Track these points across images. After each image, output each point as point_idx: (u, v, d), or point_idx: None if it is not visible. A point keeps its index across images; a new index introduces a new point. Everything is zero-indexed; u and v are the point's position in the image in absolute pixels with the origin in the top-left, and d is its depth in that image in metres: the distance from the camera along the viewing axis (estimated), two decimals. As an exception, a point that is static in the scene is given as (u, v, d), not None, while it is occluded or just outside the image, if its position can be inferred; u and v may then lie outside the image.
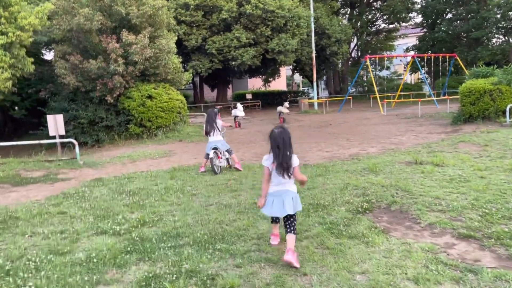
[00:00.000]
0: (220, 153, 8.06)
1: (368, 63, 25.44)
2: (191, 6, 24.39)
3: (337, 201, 5.43)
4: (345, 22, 37.69)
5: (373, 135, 12.97)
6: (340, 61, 37.11)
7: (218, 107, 9.36)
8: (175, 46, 16.92)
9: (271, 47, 25.52)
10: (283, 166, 3.79)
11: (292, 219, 3.87)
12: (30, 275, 3.65)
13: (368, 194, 5.65)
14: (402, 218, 4.76)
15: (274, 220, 4.16)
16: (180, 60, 18.04)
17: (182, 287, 3.28)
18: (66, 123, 14.46)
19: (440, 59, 28.46)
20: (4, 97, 15.63)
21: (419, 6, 37.71)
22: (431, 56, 30.06)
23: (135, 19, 14.95)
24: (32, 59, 12.97)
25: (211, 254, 3.90)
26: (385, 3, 38.62)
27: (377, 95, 23.90)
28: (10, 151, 12.58)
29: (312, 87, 30.98)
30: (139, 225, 4.86)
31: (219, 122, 8.10)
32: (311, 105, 28.18)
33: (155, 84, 15.96)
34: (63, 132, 11.58)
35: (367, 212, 4.98)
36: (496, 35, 31.25)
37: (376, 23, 42.74)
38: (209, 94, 39.34)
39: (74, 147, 10.58)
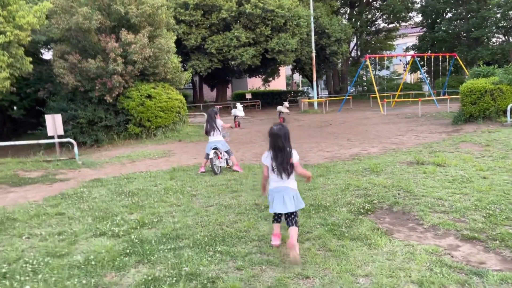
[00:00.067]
0: (221, 153, 7.99)
1: (368, 62, 25.37)
2: (191, 6, 24.31)
3: (339, 202, 5.37)
4: (344, 21, 37.62)
5: (373, 135, 12.91)
6: (340, 60, 37.05)
7: (218, 106, 9.27)
8: (175, 45, 16.84)
9: (270, 46, 25.45)
10: (283, 167, 3.85)
11: (293, 215, 3.93)
12: (27, 278, 3.58)
13: (370, 194, 5.59)
14: (404, 219, 4.70)
15: (276, 219, 4.12)
16: (180, 59, 17.96)
17: (182, 290, 3.22)
18: (65, 123, 14.38)
19: (440, 59, 28.42)
20: (3, 97, 15.58)
21: (418, 5, 37.68)
22: (431, 55, 30.02)
23: (134, 18, 14.87)
24: (30, 59, 12.87)
25: (212, 257, 3.84)
26: (384, 3, 38.56)
27: (377, 95, 23.85)
28: (8, 151, 12.51)
29: (312, 87, 30.91)
30: (138, 227, 4.80)
31: (219, 122, 8.01)
32: (311, 104, 28.13)
33: (155, 84, 15.88)
34: (61, 132, 11.51)
35: (369, 213, 4.92)
36: (496, 35, 31.22)
37: (376, 22, 42.68)
38: (209, 93, 39.26)
39: (72, 147, 10.51)
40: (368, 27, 41.70)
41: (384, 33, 42.63)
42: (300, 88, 54.94)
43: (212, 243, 4.15)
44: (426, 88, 33.89)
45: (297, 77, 55.88)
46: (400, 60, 44.30)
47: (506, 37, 30.59)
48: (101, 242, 4.34)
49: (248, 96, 33.50)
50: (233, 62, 25.73)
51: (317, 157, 9.39)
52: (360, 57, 42.07)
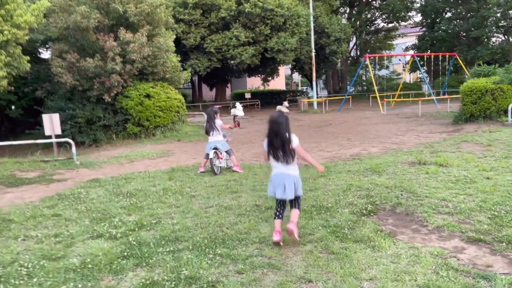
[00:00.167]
0: (221, 153, 7.89)
1: (368, 62, 25.29)
2: (190, 5, 24.20)
3: (341, 202, 5.28)
4: (344, 21, 37.52)
5: (374, 134, 12.83)
6: (339, 60, 36.97)
7: (218, 106, 9.17)
8: (174, 44, 16.74)
9: (270, 46, 25.35)
10: (283, 152, 3.95)
11: (296, 199, 4.12)
12: (21, 282, 3.49)
13: (372, 195, 5.50)
14: (408, 220, 4.61)
15: (277, 215, 4.12)
16: (179, 59, 17.87)
17: (181, 295, 3.13)
18: (63, 122, 14.27)
19: (440, 58, 28.35)
20: (0, 96, 15.46)
21: (418, 5, 37.59)
22: (431, 55, 29.94)
23: (132, 17, 14.76)
24: (28, 58, 12.77)
25: (211, 260, 3.74)
26: (384, 2, 38.47)
27: (377, 94, 23.76)
28: (5, 150, 12.41)
29: (311, 86, 30.82)
30: (137, 228, 4.70)
31: (218, 122, 7.90)
32: (310, 104, 28.05)
33: (153, 83, 15.78)
34: (59, 132, 11.40)
35: (372, 214, 4.83)
36: (496, 34, 31.15)
37: (375, 22, 42.60)
38: (208, 93, 39.14)
39: (70, 147, 10.40)
40: (368, 27, 41.62)
41: (383, 32, 42.56)
42: (299, 88, 54.84)
43: (212, 245, 4.06)
44: (425, 88, 33.82)
45: (297, 76, 55.79)
46: (400, 59, 44.22)
47: (506, 36, 30.52)
48: (98, 244, 4.25)
49: (248, 95, 33.39)
50: (232, 62, 25.62)
51: (317, 157, 9.29)
52: (359, 56, 41.99)
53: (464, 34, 32.34)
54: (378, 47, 43.10)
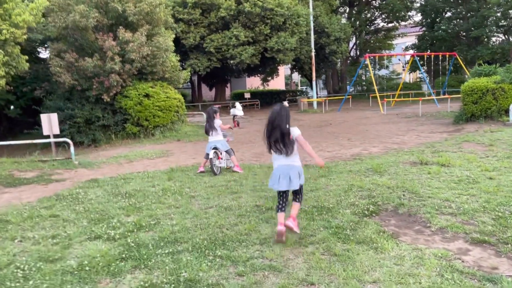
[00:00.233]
0: (221, 153, 7.81)
1: (368, 61, 25.22)
2: (189, 4, 24.12)
3: (342, 203, 5.21)
4: (344, 20, 37.44)
5: (374, 134, 12.76)
6: (339, 60, 36.89)
7: (217, 106, 9.10)
8: (173, 44, 16.66)
9: (270, 45, 25.27)
10: (283, 143, 3.98)
11: (299, 190, 4.20)
12: (17, 284, 3.42)
13: (374, 196, 5.43)
14: (411, 221, 4.54)
15: (280, 208, 4.12)
16: (178, 58, 17.79)
17: (180, 298, 3.06)
18: (61, 122, 14.20)
19: (440, 58, 28.28)
20: (-2, 96, 15.38)
21: (418, 4, 37.52)
22: (431, 55, 29.89)
23: (132, 17, 14.68)
24: (26, 57, 12.69)
25: (211, 262, 3.67)
26: (384, 2, 38.41)
27: (377, 94, 23.70)
28: (4, 150, 12.34)
29: (311, 86, 30.75)
30: (135, 230, 4.62)
31: (217, 122, 7.81)
32: (310, 104, 27.98)
33: (153, 83, 15.70)
34: (57, 132, 11.31)
35: (374, 215, 4.76)
36: (496, 34, 31.10)
37: (375, 22, 42.53)
38: (207, 93, 39.05)
39: (69, 147, 10.32)
40: (367, 27, 41.54)
41: (383, 32, 42.49)
42: (299, 88, 54.77)
43: (211, 247, 3.99)
44: (425, 88, 33.75)
45: (296, 76, 55.72)
46: (399, 59, 44.16)
47: (506, 36, 30.47)
48: (96, 246, 4.18)
49: (247, 95, 33.30)
50: (232, 61, 25.54)
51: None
52: (359, 56, 41.92)
53: (464, 33, 32.28)
54: (378, 47, 43.03)
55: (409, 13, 38.81)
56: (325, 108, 25.41)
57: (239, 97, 34.35)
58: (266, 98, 36.14)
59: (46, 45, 18.51)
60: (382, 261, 3.54)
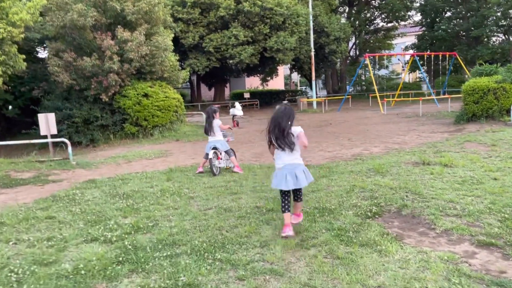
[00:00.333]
0: (220, 153, 7.70)
1: (368, 61, 25.12)
2: (188, 3, 24.01)
3: (344, 204, 5.10)
4: (343, 20, 37.35)
5: (375, 134, 12.67)
6: (339, 60, 36.79)
7: (216, 105, 8.98)
8: (172, 43, 16.56)
9: (269, 45, 25.17)
10: (283, 139, 4.01)
11: (300, 191, 4.31)
12: (10, 289, 3.31)
13: (376, 197, 5.33)
14: (414, 223, 4.44)
15: (285, 208, 4.17)
16: (177, 58, 17.68)
17: (178, 304, 2.95)
18: (60, 122, 14.10)
19: (440, 58, 28.19)
20: (-4, 95, 15.26)
21: (418, 4, 37.43)
22: (431, 54, 29.80)
23: (130, 16, 14.57)
24: (23, 56, 12.56)
25: (211, 265, 3.56)
26: (383, 2, 38.33)
27: (377, 94, 23.60)
28: (1, 151, 12.22)
29: (310, 86, 30.64)
30: (133, 232, 4.51)
31: (217, 122, 7.70)
32: (309, 104, 27.88)
33: (151, 83, 15.59)
34: (55, 132, 11.19)
35: (377, 216, 4.66)
36: (496, 34, 31.01)
37: (375, 21, 42.44)
38: (207, 93, 38.93)
39: (66, 147, 10.21)
40: (367, 26, 41.45)
41: (383, 32, 42.41)
42: (299, 88, 54.67)
43: (211, 249, 3.88)
44: (425, 88, 33.66)
45: (295, 76, 55.61)
46: (399, 59, 44.06)
47: (506, 36, 30.39)
48: (92, 248, 4.06)
49: (247, 95, 33.21)
50: (231, 61, 25.43)
51: (318, 157, 9.13)
52: (359, 56, 41.83)
53: (464, 33, 32.19)
54: (378, 47, 42.95)
55: (409, 13, 38.73)
56: (324, 108, 25.31)
57: (238, 97, 34.25)
58: (266, 98, 36.06)
59: (44, 45, 18.41)
60: (386, 264, 3.44)
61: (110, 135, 14.88)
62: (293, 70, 40.29)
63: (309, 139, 13.11)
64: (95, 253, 3.91)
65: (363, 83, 42.77)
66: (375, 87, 24.72)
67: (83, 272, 3.51)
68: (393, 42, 44.11)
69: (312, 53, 26.96)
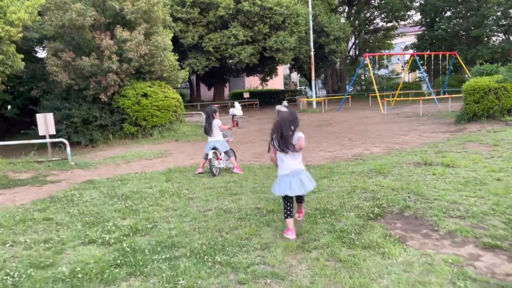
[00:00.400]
0: (220, 153, 7.63)
1: (368, 61, 25.05)
2: (188, 3, 23.93)
3: (345, 205, 5.03)
4: (343, 20, 37.29)
5: (375, 134, 12.60)
6: (339, 59, 36.73)
7: (216, 105, 8.89)
8: (171, 43, 16.48)
9: (269, 44, 25.09)
10: (286, 141, 4.04)
11: (303, 195, 4.40)
12: (6, 293, 3.24)
13: (378, 198, 5.26)
14: (417, 225, 4.37)
15: (288, 214, 4.13)
16: (176, 58, 17.60)
17: (177, 308, 2.88)
18: (58, 122, 14.02)
19: (440, 57, 28.12)
20: (-5, 95, 15.17)
21: (417, 4, 37.35)
22: (431, 54, 29.74)
23: (129, 15, 14.49)
24: (22, 56, 12.48)
25: (210, 268, 3.49)
26: (383, 1, 38.25)
27: (377, 94, 23.54)
28: (0, 151, 12.12)
29: (310, 86, 30.56)
30: (131, 234, 4.44)
31: (217, 122, 7.62)
32: (309, 103, 27.80)
33: (151, 82, 15.51)
34: (53, 132, 11.11)
35: (379, 218, 4.59)
36: (496, 33, 30.95)
37: (374, 21, 42.37)
38: (206, 93, 38.87)
39: (65, 147, 10.13)
40: (367, 26, 41.39)
41: (382, 32, 42.34)
42: (298, 88, 54.61)
43: (211, 252, 3.81)
44: (425, 87, 33.58)
45: (295, 76, 55.55)
46: (398, 59, 43.98)
47: (506, 35, 30.33)
48: (90, 251, 3.99)
49: (246, 95, 33.14)
50: (230, 61, 25.36)
51: (318, 157, 9.06)
52: (358, 56, 41.76)
53: (464, 33, 32.12)
54: (377, 47, 42.88)
55: (409, 13, 38.64)
56: (324, 107, 25.24)
57: (238, 96, 34.20)
58: (265, 98, 36.00)
59: (43, 44, 18.33)
60: (390, 267, 3.37)
61: (109, 135, 14.80)
62: (293, 70, 40.23)
63: (309, 139, 13.05)
64: (93, 255, 3.84)
65: (363, 82, 42.70)
66: (375, 87, 24.64)
67: (80, 275, 3.44)
68: (393, 41, 44.04)
69: (312, 53, 26.89)
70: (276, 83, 46.20)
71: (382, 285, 3.09)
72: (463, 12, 31.24)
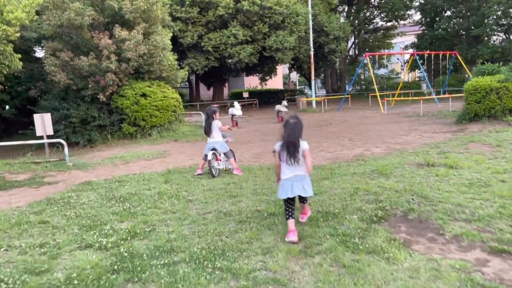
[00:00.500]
0: (219, 154, 7.52)
1: (367, 60, 24.95)
2: (187, 2, 23.81)
3: (348, 208, 4.93)
4: (342, 19, 37.19)
5: (376, 134, 12.49)
6: (338, 59, 36.63)
7: (215, 105, 8.78)
8: (170, 43, 16.36)
9: (268, 44, 24.98)
10: (294, 155, 4.10)
11: (306, 198, 4.44)
12: (-1, 300, 3.13)
13: (381, 200, 5.15)
14: (422, 228, 4.27)
15: (289, 215, 4.14)
16: (176, 57, 17.48)
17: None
18: (57, 122, 13.90)
19: (440, 57, 28.03)
20: (-8, 95, 15.05)
21: (417, 3, 37.25)
22: (431, 53, 29.65)
23: (128, 14, 14.36)
24: (19, 56, 12.36)
25: (210, 274, 3.39)
26: (383, 1, 38.17)
27: (377, 93, 23.44)
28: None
29: (309, 86, 30.45)
30: (129, 237, 4.34)
31: (217, 123, 7.51)
32: (309, 103, 27.69)
33: (150, 82, 15.40)
34: (51, 132, 10.99)
35: (383, 221, 4.49)
36: (496, 33, 30.86)
37: (374, 20, 42.29)
38: (205, 92, 38.76)
39: (63, 148, 10.01)
40: (366, 25, 41.30)
41: (382, 31, 42.25)
42: (297, 87, 54.52)
43: (210, 257, 3.71)
44: (425, 87, 33.48)
45: (294, 76, 55.44)
46: (398, 59, 43.90)
47: (506, 35, 30.25)
48: (87, 256, 3.89)
49: (246, 95, 33.03)
50: (230, 60, 25.25)
51: (319, 158, 8.95)
52: (358, 55, 41.66)
53: (464, 32, 32.03)
54: (377, 46, 42.79)
55: (409, 12, 38.56)
56: (324, 107, 25.12)
57: (237, 96, 34.07)
58: (265, 98, 35.89)
59: (41, 44, 18.21)
60: (395, 273, 3.27)
61: (108, 136, 14.69)
62: (292, 69, 40.11)
63: (309, 139, 12.95)
64: (89, 261, 3.73)
65: (363, 82, 42.62)
66: (375, 87, 24.53)
67: (76, 282, 3.34)
68: (393, 41, 43.95)
69: (312, 52, 26.78)
70: (275, 82, 46.11)
71: (388, 292, 2.99)
72: (463, 11, 31.15)
